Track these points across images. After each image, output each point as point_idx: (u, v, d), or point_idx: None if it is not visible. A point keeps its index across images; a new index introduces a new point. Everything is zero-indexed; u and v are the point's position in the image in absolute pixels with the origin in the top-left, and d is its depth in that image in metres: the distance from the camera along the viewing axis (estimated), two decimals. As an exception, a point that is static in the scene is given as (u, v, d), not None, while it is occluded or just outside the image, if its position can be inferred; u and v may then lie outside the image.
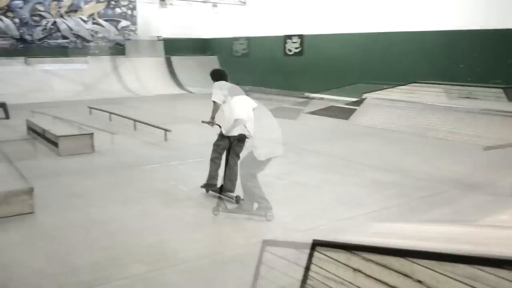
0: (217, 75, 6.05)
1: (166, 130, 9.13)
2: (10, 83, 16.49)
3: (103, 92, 17.22)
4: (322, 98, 16.18)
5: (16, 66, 17.31)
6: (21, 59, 17.59)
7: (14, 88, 16.35)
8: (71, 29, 19.11)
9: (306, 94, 17.04)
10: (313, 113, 13.05)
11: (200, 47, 21.91)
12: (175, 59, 20.70)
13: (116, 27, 20.12)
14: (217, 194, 5.32)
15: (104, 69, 18.98)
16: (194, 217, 5.10)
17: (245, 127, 5.04)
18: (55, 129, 8.49)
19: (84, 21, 19.42)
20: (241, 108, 5.08)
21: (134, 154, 8.06)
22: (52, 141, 8.21)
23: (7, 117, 11.89)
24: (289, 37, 17.73)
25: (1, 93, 15.70)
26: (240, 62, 20.12)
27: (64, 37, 18.97)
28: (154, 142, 9.06)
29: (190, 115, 12.71)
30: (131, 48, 20.25)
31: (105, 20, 19.88)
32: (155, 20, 20.80)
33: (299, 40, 17.44)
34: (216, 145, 5.74)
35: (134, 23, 20.46)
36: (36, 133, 9.16)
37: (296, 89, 17.50)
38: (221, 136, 5.58)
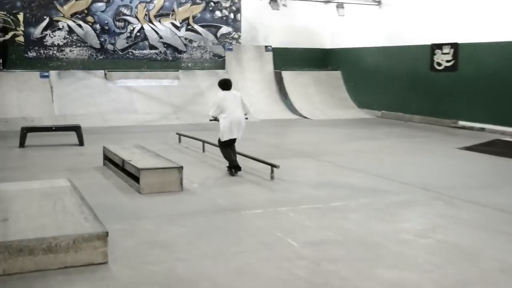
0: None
1: (273, 166, 9.21)
2: (86, 102, 17.86)
3: (196, 115, 17.96)
4: (482, 129, 15.50)
5: (94, 81, 18.72)
6: (100, 73, 19.01)
7: (90, 107, 17.67)
8: (160, 37, 20.35)
9: (460, 122, 16.41)
10: (469, 148, 12.59)
11: (319, 59, 22.21)
12: (287, 74, 21.15)
13: (215, 35, 21.08)
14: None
15: (199, 87, 19.82)
16: (307, 283, 5.02)
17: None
18: (136, 160, 8.92)
19: (177, 27, 20.58)
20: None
21: (231, 195, 8.21)
22: (132, 175, 8.62)
23: (81, 143, 12.83)
24: (439, 46, 17.28)
25: (76, 113, 17.06)
26: (370, 78, 20.00)
27: (152, 47, 20.22)
28: (257, 180, 9.18)
29: (305, 147, 12.81)
30: (232, 61, 21.02)
31: (202, 26, 20.92)
32: (264, 26, 21.49)
33: (451, 51, 16.89)
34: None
35: (237, 29, 21.29)
36: (113, 163, 9.72)
37: (446, 116, 16.95)
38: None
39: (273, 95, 20.77)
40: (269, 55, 21.45)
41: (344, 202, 7.78)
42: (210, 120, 9.89)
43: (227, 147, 9.71)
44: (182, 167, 8.46)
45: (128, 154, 9.52)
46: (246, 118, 9.79)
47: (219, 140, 9.77)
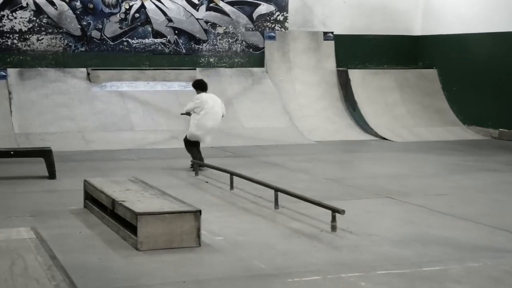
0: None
1: (335, 211, 9.13)
2: (60, 114, 18.09)
3: (221, 135, 18.02)
4: None
5: (71, 84, 18.98)
6: (81, 72, 19.29)
7: (66, 123, 17.91)
8: (169, 20, 20.51)
9: None
10: None
11: (404, 52, 22.18)
12: (356, 74, 21.24)
13: (249, 16, 21.17)
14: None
15: (226, 92, 19.84)
16: None
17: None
18: (133, 200, 8.90)
19: (194, 6, 20.71)
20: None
21: (273, 253, 8.15)
22: (126, 223, 8.62)
23: (52, 174, 12.90)
24: None
25: (45, 131, 17.26)
26: (482, 81, 19.79)
27: (157, 34, 20.37)
28: (311, 232, 9.11)
29: (383, 183, 12.72)
30: (275, 54, 21.08)
31: (230, 4, 21.01)
32: (321, 3, 21.57)
33: None
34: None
35: (282, 8, 21.36)
36: (99, 205, 9.74)
37: None
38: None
39: (335, 106, 20.73)
40: (330, 46, 21.47)
41: (442, 266, 7.63)
42: (182, 114, 14.07)
43: (193, 146, 13.82)
44: (200, 212, 8.42)
45: (120, 191, 9.50)
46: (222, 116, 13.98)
47: (185, 138, 13.82)
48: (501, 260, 7.89)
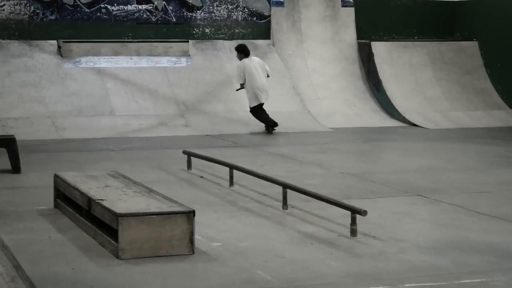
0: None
1: (355, 212, 9.13)
2: (25, 96, 18.13)
3: (218, 120, 18.06)
4: None
5: (39, 59, 18.99)
6: (51, 45, 19.31)
7: (34, 106, 17.94)
8: (156, -18, 20.52)
9: None
10: None
11: (438, 20, 22.15)
12: (380, 48, 21.28)
13: (253, -22, 21.17)
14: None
15: (224, 69, 20.07)
16: None
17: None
18: (113, 199, 8.92)
19: (186, -35, 20.72)
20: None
21: (281, 262, 8.15)
22: (105, 226, 8.65)
23: (16, 168, 12.90)
24: None
25: (7, 116, 17.26)
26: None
27: (142, 0, 20.36)
28: (327, 237, 9.12)
29: (412, 178, 12.73)
30: (284, 24, 21.09)
31: (230, -38, 21.03)
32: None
33: None
34: None
35: (293, -34, 21.37)
36: (73, 205, 9.74)
37: None
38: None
39: (355, 86, 20.77)
40: (349, 14, 21.51)
41: (484, 278, 7.62)
42: (237, 89, 17.46)
43: (259, 110, 17.83)
44: (193, 213, 8.44)
45: (98, 189, 9.51)
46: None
47: (250, 107, 17.94)
48: (555, 271, 7.91)
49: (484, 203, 10.93)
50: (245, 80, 17.82)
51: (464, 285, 7.44)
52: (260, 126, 18.11)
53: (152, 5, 20.30)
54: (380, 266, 8.06)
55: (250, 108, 18.02)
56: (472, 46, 21.52)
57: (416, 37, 21.69)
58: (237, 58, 18.34)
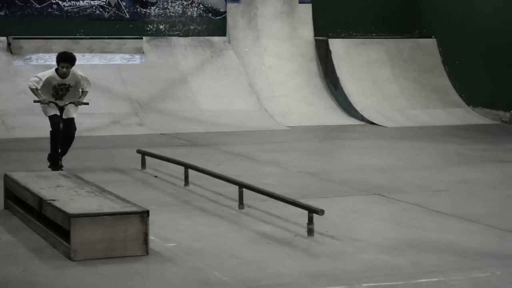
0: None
1: (312, 211, 9.19)
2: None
3: (173, 119, 18.05)
4: None
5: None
6: (0, 42, 19.17)
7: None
8: (109, -22, 20.47)
9: None
10: None
11: (396, 17, 22.27)
12: (338, 45, 21.31)
13: (208, -27, 21.18)
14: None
15: (179, 67, 20.02)
16: None
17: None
18: (65, 199, 8.89)
19: (139, -40, 20.70)
20: None
21: (238, 263, 8.19)
22: (56, 227, 8.61)
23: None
24: None
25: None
26: (490, 54, 19.96)
27: (94, -5, 20.35)
28: (283, 236, 9.17)
29: (370, 177, 12.84)
30: (240, 20, 21.09)
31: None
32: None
33: None
34: None
35: (248, -38, 21.40)
36: (23, 206, 9.69)
37: None
38: None
39: (313, 83, 20.83)
40: (307, 10, 21.56)
41: (442, 277, 7.71)
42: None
43: None
44: (148, 213, 8.45)
45: (50, 189, 9.47)
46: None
47: None
48: (512, 270, 8.01)
49: (442, 202, 11.04)
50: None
51: (421, 284, 7.52)
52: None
53: (105, 1, 20.23)
54: (337, 266, 8.12)
55: None
56: (430, 44, 21.66)
57: (374, 34, 21.79)
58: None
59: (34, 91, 13.06)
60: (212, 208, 10.52)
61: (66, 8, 20.00)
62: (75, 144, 15.83)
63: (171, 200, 11.11)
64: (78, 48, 19.30)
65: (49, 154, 13.18)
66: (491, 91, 20.01)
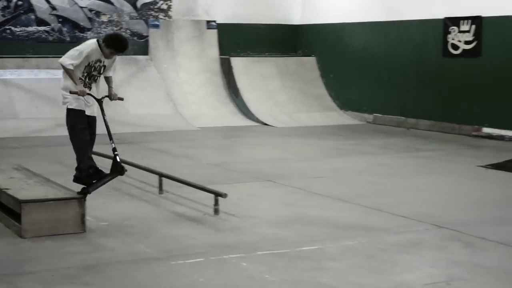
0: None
1: (217, 195, 9.20)
2: None
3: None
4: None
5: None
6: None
7: None
8: (53, 8, 20.12)
9: (485, 130, 16.64)
10: (498, 166, 12.85)
11: (284, 40, 22.40)
12: (238, 62, 21.34)
13: (133, 4, 20.98)
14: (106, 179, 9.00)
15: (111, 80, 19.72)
16: None
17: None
18: (17, 188, 8.80)
19: (78, -6, 20.42)
20: None
21: (158, 237, 8.18)
22: (10, 211, 8.52)
23: None
24: (455, 21, 17.55)
25: None
26: (357, 68, 20.20)
27: (41, 22, 19.97)
28: (195, 216, 9.17)
29: (264, 167, 12.85)
30: (159, 42, 20.98)
31: (114, -8, 20.82)
32: (204, -9, 21.58)
33: (472, 28, 17.18)
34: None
35: (166, -4, 21.30)
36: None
37: (465, 121, 17.20)
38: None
39: (218, 93, 20.79)
40: (213, 34, 21.49)
41: (320, 245, 7.83)
42: None
43: None
44: (84, 198, 8.39)
45: (4, 179, 9.37)
46: None
47: None
48: (374, 238, 8.13)
49: (320, 186, 11.14)
50: None
51: (304, 251, 7.61)
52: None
53: (49, 26, 19.96)
54: (238, 238, 8.18)
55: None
56: (311, 61, 21.80)
57: (267, 54, 21.83)
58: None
59: (70, 73, 9.59)
60: (137, 194, 10.49)
61: (18, 32, 19.67)
62: (24, 143, 15.65)
63: (104, 188, 10.86)
64: (27, 65, 19.07)
65: (80, 168, 8.90)
66: (358, 98, 20.25)
